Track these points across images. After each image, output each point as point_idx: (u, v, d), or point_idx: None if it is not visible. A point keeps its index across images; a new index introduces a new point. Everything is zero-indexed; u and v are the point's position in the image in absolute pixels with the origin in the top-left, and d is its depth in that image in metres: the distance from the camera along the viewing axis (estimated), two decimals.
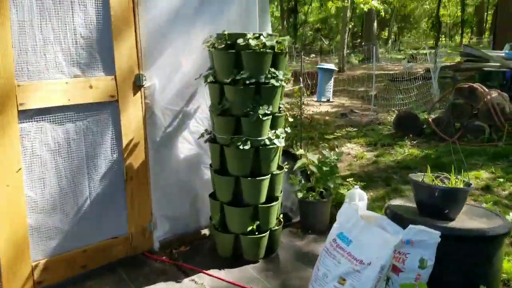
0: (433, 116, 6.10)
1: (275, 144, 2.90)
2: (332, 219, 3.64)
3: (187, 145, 3.33)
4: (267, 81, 2.77)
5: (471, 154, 5.32)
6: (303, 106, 3.89)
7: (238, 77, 2.70)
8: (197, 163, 3.40)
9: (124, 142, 3.03)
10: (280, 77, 2.82)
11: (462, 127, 5.75)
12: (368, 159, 5.53)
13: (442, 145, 5.72)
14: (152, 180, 3.20)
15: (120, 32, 2.87)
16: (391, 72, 16.96)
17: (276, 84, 2.78)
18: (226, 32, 2.79)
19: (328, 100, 3.52)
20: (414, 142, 5.98)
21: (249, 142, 2.79)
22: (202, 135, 3.13)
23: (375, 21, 23.65)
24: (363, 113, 8.60)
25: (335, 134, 5.46)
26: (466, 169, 2.89)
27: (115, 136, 3.00)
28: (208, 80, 2.93)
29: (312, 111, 7.39)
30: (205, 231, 3.47)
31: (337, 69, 3.80)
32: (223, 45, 2.77)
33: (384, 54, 28.55)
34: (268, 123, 2.87)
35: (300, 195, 3.55)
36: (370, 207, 3.95)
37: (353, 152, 5.85)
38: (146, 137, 3.14)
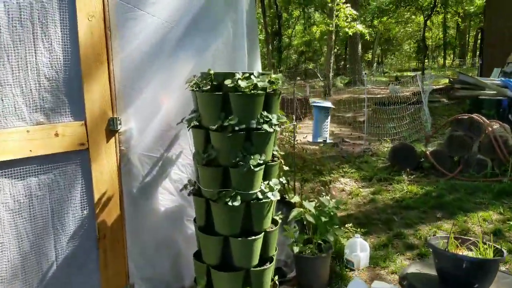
0: (430, 149, 5.81)
1: (269, 198, 2.53)
2: (332, 276, 3.28)
3: (168, 196, 2.95)
4: (259, 126, 2.43)
5: (474, 191, 5.01)
6: (295, 142, 3.53)
7: (226, 123, 2.34)
8: (180, 216, 3.02)
9: (96, 196, 2.65)
10: (274, 121, 2.47)
11: (462, 161, 5.46)
12: (364, 197, 5.18)
13: (442, 180, 5.41)
14: (129, 237, 2.81)
15: (91, 70, 2.52)
16: (378, 96, 16.86)
17: (270, 130, 2.43)
18: (212, 72, 2.45)
19: (325, 141, 3.20)
20: (412, 177, 5.66)
21: (239, 197, 2.42)
22: (185, 187, 2.75)
23: (360, 44, 23.76)
24: (354, 142, 8.32)
25: (332, 175, 5.13)
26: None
27: (86, 190, 2.63)
28: (192, 125, 2.57)
29: (299, 140, 7.03)
30: None
31: (333, 106, 3.50)
32: (209, 86, 2.43)
33: (369, 76, 28.68)
34: (261, 174, 2.51)
35: (296, 249, 3.18)
36: (372, 257, 3.60)
37: (348, 188, 5.50)
38: (121, 189, 2.76)
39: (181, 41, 2.90)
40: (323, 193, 3.83)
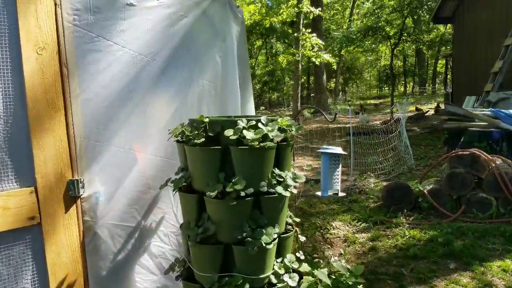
0: (428, 187, 5.36)
1: (285, 282, 1.92)
2: None
3: (148, 276, 2.29)
4: (271, 189, 1.84)
5: (483, 234, 4.54)
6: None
7: (230, 188, 1.74)
8: None
9: (53, 285, 1.99)
10: (289, 181, 1.89)
11: (463, 200, 5.03)
12: (363, 244, 4.62)
13: (445, 222, 4.94)
14: None
15: (42, 120, 1.89)
16: (347, 126, 16.70)
17: (285, 193, 1.85)
18: (206, 119, 1.86)
19: (336, 195, 2.67)
20: (411, 219, 5.16)
21: (247, 286, 1.81)
22: (171, 268, 2.10)
23: (324, 73, 23.76)
24: None
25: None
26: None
27: (38, 277, 1.98)
28: (179, 187, 1.96)
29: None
30: None
31: (345, 153, 2.96)
32: (202, 139, 1.84)
33: (334, 105, 28.71)
34: (274, 251, 1.91)
35: None
36: None
37: (342, 234, 4.93)
38: (85, 273, 2.11)
39: (159, 79, 2.31)
40: (331, 254, 3.24)
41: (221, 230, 1.84)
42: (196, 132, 1.86)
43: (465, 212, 5.00)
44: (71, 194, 2.01)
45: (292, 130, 1.97)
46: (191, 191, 1.93)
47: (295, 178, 1.92)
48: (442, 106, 18.30)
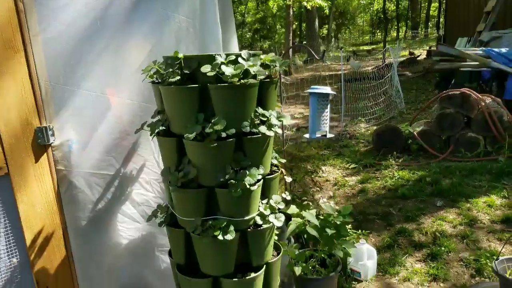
0: (418, 129, 5.30)
1: (271, 223, 1.86)
2: None
3: (132, 224, 2.22)
4: (254, 130, 1.73)
5: (470, 172, 4.55)
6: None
7: (209, 129, 1.63)
8: (150, 248, 2.31)
9: (28, 237, 1.92)
10: (273, 120, 1.78)
11: (452, 140, 4.98)
12: (352, 187, 4.61)
13: (433, 162, 4.93)
14: (82, 285, 2.08)
15: (0, 63, 1.72)
16: (339, 73, 16.44)
17: (269, 133, 1.74)
18: (180, 55, 1.71)
19: (324, 136, 2.57)
20: (400, 160, 5.14)
21: (232, 227, 1.74)
22: (154, 215, 2.02)
23: (316, 19, 23.12)
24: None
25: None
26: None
27: (11, 230, 1.90)
28: (157, 132, 1.84)
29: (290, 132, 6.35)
30: None
31: (335, 92, 2.81)
32: (178, 77, 1.69)
33: (327, 52, 28.13)
34: (259, 192, 1.83)
35: (298, 270, 2.54)
36: (378, 262, 3.05)
37: (332, 178, 4.92)
38: (64, 223, 2.02)
39: (130, 14, 2.12)
40: (320, 196, 3.20)
41: (203, 174, 1.74)
42: (171, 70, 1.72)
43: (454, 152, 4.98)
44: (40, 143, 1.89)
45: (276, 66, 1.83)
46: (169, 135, 1.81)
47: (279, 117, 1.80)
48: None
